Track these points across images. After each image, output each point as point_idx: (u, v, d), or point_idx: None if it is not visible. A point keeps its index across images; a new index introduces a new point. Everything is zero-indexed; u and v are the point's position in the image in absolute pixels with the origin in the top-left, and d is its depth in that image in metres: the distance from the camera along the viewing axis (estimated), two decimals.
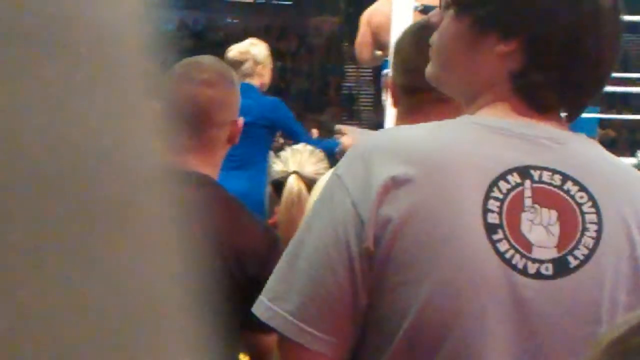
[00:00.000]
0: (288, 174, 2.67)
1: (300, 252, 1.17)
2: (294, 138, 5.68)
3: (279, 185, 2.70)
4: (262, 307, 1.18)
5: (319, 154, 2.80)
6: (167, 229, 0.29)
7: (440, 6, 1.30)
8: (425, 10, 3.45)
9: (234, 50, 4.91)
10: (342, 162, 1.19)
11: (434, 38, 1.31)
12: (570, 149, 1.20)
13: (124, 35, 0.30)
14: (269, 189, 2.89)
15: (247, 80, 4.89)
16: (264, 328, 1.20)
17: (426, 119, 1.60)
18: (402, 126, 1.65)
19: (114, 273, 0.27)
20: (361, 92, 25.18)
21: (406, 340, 1.11)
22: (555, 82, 1.21)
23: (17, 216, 0.25)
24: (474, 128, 1.19)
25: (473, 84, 1.26)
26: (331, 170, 1.47)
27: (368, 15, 5.14)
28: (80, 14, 0.28)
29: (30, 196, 0.25)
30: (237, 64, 4.88)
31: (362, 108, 23.98)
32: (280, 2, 29.64)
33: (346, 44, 27.55)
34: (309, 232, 1.17)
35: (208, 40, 26.49)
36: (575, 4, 1.21)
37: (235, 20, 26.85)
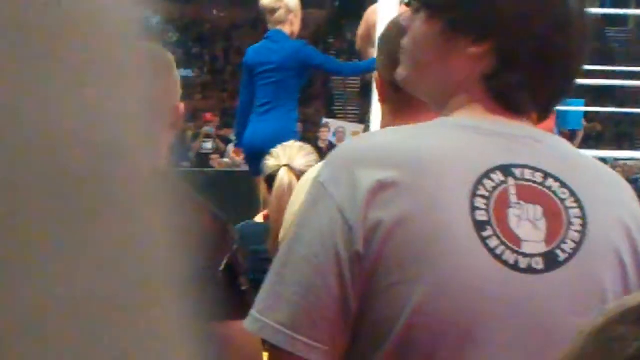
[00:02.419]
0: (280, 167, 2.77)
1: (288, 262, 1.16)
2: (326, 71, 5.75)
3: (272, 179, 2.78)
4: (252, 319, 1.17)
5: (308, 147, 2.90)
6: (160, 216, 0.30)
7: (411, 9, 1.31)
8: (410, 3, 3.45)
9: None
10: (323, 170, 1.18)
11: (405, 41, 1.31)
12: (548, 146, 1.22)
13: (114, 27, 0.30)
14: (263, 182, 2.95)
15: (279, 27, 5.04)
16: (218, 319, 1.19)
17: (415, 115, 1.58)
18: (381, 130, 1.65)
19: (107, 256, 0.27)
20: (347, 86, 25.17)
21: (398, 344, 1.10)
22: (526, 83, 1.22)
23: (19, 207, 0.25)
24: (454, 129, 1.20)
25: (446, 86, 1.26)
26: (319, 165, 1.46)
27: (368, 13, 5.46)
28: (71, 8, 0.29)
29: (29, 188, 0.25)
30: (270, 11, 5.05)
31: (348, 102, 23.97)
32: None
33: (332, 37, 27.51)
34: (296, 241, 1.16)
35: (194, 33, 26.42)
36: (546, 8, 1.22)
37: (221, 14, 26.79)
